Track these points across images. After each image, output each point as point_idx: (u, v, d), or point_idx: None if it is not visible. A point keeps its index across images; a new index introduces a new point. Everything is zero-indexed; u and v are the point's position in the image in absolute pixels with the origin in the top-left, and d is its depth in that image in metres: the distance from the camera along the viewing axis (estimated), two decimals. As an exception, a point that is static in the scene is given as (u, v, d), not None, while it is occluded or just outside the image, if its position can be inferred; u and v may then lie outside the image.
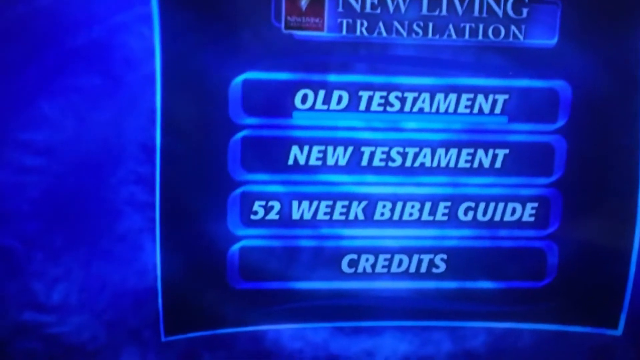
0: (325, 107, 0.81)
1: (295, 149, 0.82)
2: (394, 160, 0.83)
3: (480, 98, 0.83)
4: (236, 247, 0.84)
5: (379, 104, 0.82)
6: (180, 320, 0.84)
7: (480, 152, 0.84)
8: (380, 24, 0.79)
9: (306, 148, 0.82)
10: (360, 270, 0.86)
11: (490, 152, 0.84)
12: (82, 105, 0.78)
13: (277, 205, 0.83)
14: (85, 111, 0.78)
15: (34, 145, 0.78)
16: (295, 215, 0.84)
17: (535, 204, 0.85)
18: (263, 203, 0.83)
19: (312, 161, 0.83)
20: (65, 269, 0.81)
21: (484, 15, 0.80)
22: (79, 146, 0.79)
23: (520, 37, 0.81)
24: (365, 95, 0.81)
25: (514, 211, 0.86)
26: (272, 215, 0.83)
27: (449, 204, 0.85)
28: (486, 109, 0.83)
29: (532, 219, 0.86)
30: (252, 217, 0.83)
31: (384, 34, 0.80)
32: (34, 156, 0.78)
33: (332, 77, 0.81)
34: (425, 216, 0.85)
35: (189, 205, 0.81)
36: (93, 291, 0.82)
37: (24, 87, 0.77)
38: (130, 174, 0.80)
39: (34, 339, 0.82)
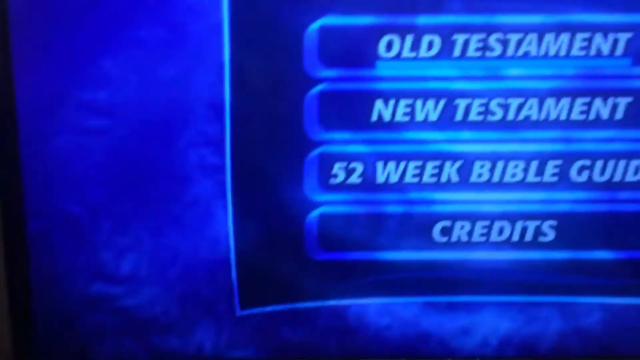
0: (413, 54, 0.72)
1: (379, 104, 0.73)
2: (493, 114, 0.73)
3: (599, 38, 0.71)
4: (315, 214, 0.76)
5: (477, 49, 0.72)
6: (256, 293, 0.78)
7: (598, 101, 0.73)
8: None
9: (391, 102, 0.73)
10: (454, 239, 0.77)
11: (610, 100, 0.73)
12: (145, 60, 0.72)
13: (359, 167, 0.75)
14: (149, 67, 0.72)
15: (96, 105, 0.73)
16: (380, 178, 0.75)
17: (663, 161, 0.71)
18: (344, 165, 0.75)
19: (399, 117, 0.73)
20: (134, 238, 0.76)
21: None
22: (143, 105, 0.73)
23: (649, -39, 0.65)
24: (460, 39, 0.71)
25: (637, 170, 0.75)
26: (354, 179, 0.75)
27: (559, 162, 0.75)
28: (605, 50, 0.71)
29: (659, 178, 0.72)
30: (332, 180, 0.75)
31: (482, -37, 0.67)
32: (98, 117, 0.73)
33: (422, 19, 0.71)
34: (531, 177, 0.75)
35: (262, 169, 0.74)
36: (164, 262, 0.77)
37: (84, 42, 0.71)
38: (199, 135, 0.73)
39: (103, 312, 0.78)
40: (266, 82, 0.72)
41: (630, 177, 0.75)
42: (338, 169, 0.75)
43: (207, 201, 0.75)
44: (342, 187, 0.75)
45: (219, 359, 0.80)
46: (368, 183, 0.75)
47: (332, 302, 0.79)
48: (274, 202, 0.75)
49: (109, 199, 0.75)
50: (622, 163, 0.75)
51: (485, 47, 0.72)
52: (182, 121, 0.73)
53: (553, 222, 0.77)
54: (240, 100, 0.72)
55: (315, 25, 0.71)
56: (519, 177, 0.75)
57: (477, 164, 0.74)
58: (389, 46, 0.71)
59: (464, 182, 0.75)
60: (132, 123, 0.73)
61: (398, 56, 0.72)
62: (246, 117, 0.73)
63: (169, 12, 0.71)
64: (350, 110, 0.73)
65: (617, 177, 0.75)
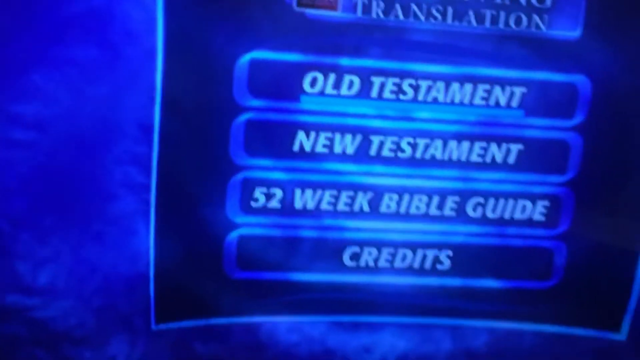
0: (335, 92, 0.76)
1: (301, 135, 0.76)
2: (403, 151, 0.78)
3: (497, 90, 0.78)
4: (234, 234, 0.78)
5: (392, 91, 0.77)
6: (173, 308, 0.79)
7: (494, 147, 0.79)
8: (397, 6, 0.74)
9: (313, 134, 0.77)
10: (362, 264, 0.81)
11: (504, 146, 0.79)
12: (77, 78, 0.72)
13: (279, 193, 0.78)
14: (80, 85, 0.72)
15: (24, 119, 0.72)
16: (298, 204, 0.78)
17: (547, 203, 0.81)
18: (265, 190, 0.77)
19: (319, 148, 0.77)
20: (53, 250, 0.75)
21: (507, 2, 0.74)
22: (72, 122, 0.73)
23: (543, 27, 0.75)
24: (377, 81, 0.76)
25: (524, 209, 0.82)
26: (274, 203, 0.78)
27: (457, 198, 0.80)
28: (502, 102, 0.78)
29: (543, 218, 0.81)
30: (253, 204, 0.77)
31: (401, 17, 0.74)
32: (24, 130, 0.72)
33: (344, 61, 0.75)
34: (433, 210, 0.80)
35: (186, 189, 0.75)
36: (82, 275, 0.77)
37: (16, 56, 0.70)
38: (126, 154, 0.73)
39: (17, 323, 0.77)
40: (196, 107, 0.74)
41: (517, 215, 0.82)
42: (259, 193, 0.78)
43: (130, 218, 0.76)
44: (262, 210, 0.78)
45: (131, 373, 0.79)
46: (286, 208, 0.78)
47: (246, 319, 0.81)
48: (196, 221, 0.77)
49: (30, 210, 0.74)
50: (511, 202, 0.82)
51: (399, 91, 0.77)
52: (110, 139, 0.74)
53: (449, 252, 0.82)
54: (169, 123, 0.74)
55: (246, 58, 0.74)
56: (422, 210, 0.80)
57: (387, 196, 0.79)
58: (313, 82, 0.75)
59: (374, 212, 0.80)
60: (59, 138, 0.73)
61: (321, 92, 0.76)
62: (174, 139, 0.74)
63: (104, 33, 0.71)
64: (274, 139, 0.76)
65: (507, 215, 0.82)
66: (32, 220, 0.74)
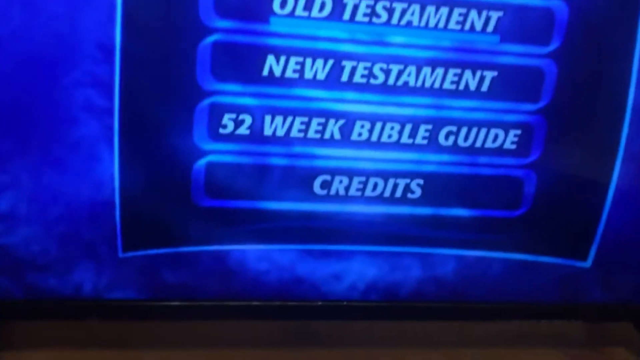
0: (305, 13, 0.72)
1: (270, 59, 0.73)
2: (376, 77, 0.75)
3: (473, 14, 0.75)
4: (202, 162, 0.75)
5: (365, 14, 0.73)
6: (139, 236, 0.77)
7: (468, 73, 0.77)
8: None
9: (283, 58, 0.73)
10: (332, 192, 0.79)
11: (478, 73, 0.77)
12: None
13: (248, 119, 0.74)
14: (34, 1, 0.64)
15: None
16: (267, 131, 0.75)
17: (518, 131, 0.80)
18: (233, 116, 0.74)
19: (289, 73, 0.74)
20: (13, 176, 0.72)
21: None
22: (26, 40, 0.68)
23: (522, -52, 0.70)
24: (350, 3, 0.73)
25: (496, 137, 0.80)
26: (242, 130, 0.75)
27: (430, 127, 0.78)
28: (478, 27, 0.75)
29: (514, 146, 0.80)
30: (221, 130, 0.74)
31: None
32: None
33: None
34: (405, 139, 0.78)
35: (151, 114, 0.72)
36: (44, 201, 0.74)
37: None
38: (86, 76, 0.69)
39: (-23, 251, 0.71)
40: (160, 26, 0.70)
41: (489, 144, 0.81)
42: (227, 119, 0.74)
43: (93, 143, 0.72)
44: (230, 137, 0.75)
45: (98, 300, 0.77)
46: (255, 135, 0.76)
47: (214, 247, 0.79)
48: (162, 148, 0.74)
49: (-15, 135, 0.70)
50: (483, 131, 0.80)
51: (372, 13, 0.73)
52: (68, 60, 0.69)
53: (420, 181, 0.81)
54: (131, 44, 0.70)
55: (212, -25, 0.69)
56: (394, 138, 0.78)
57: (358, 123, 0.77)
58: (283, 3, 0.71)
59: (345, 139, 0.77)
60: (14, 58, 0.69)
61: (291, 14, 0.72)
62: (137, 61, 0.70)
63: (58, -56, 0.66)
64: (243, 62, 0.73)
65: (479, 143, 0.80)
66: (-12, 145, 0.69)
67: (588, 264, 0.86)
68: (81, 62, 0.69)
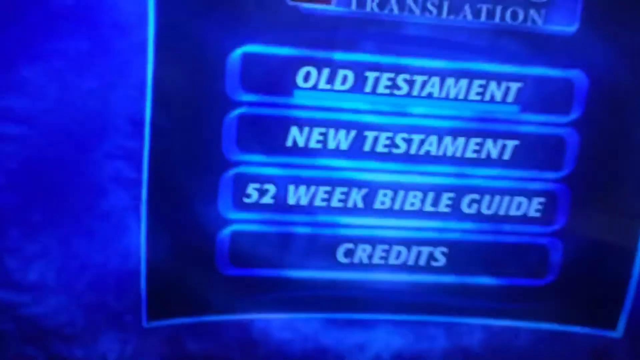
0: (328, 86, 0.73)
1: (294, 130, 0.74)
2: (398, 147, 0.76)
3: (493, 85, 0.75)
4: (227, 231, 0.76)
5: (386, 87, 0.74)
6: (164, 305, 0.77)
7: (489, 142, 0.77)
8: (392, 0, 0.70)
9: (306, 129, 0.74)
10: (356, 260, 0.79)
11: (500, 142, 0.77)
12: (66, 71, 0.70)
13: (272, 189, 0.75)
14: (70, 78, 0.70)
15: (13, 113, 0.70)
16: (291, 200, 0.76)
17: (542, 199, 0.79)
18: (257, 186, 0.75)
19: (312, 144, 0.75)
20: (43, 246, 0.73)
21: (502, -4, 0.71)
22: (61, 116, 0.70)
23: (539, 22, 0.73)
24: (371, 76, 0.74)
25: (519, 205, 0.79)
26: (267, 199, 0.75)
27: (452, 195, 0.78)
28: (498, 97, 0.76)
29: (538, 214, 0.79)
30: (245, 200, 0.75)
31: (396, 11, 0.72)
32: (13, 124, 0.70)
33: (338, 55, 0.73)
34: (427, 207, 0.78)
35: (178, 185, 0.73)
36: (72, 271, 0.75)
37: (4, 49, 0.68)
38: (117, 149, 0.71)
39: (6, 320, 0.75)
40: (188, 102, 0.72)
41: (513, 212, 0.80)
42: (252, 189, 0.75)
43: (121, 213, 0.74)
44: (255, 206, 0.76)
45: (123, 370, 0.77)
46: (279, 204, 0.76)
47: (238, 316, 0.79)
48: (188, 217, 0.75)
49: (19, 206, 0.72)
50: (506, 199, 0.80)
51: (393, 86, 0.75)
52: (100, 134, 0.72)
53: (444, 249, 0.80)
54: (160, 118, 0.72)
55: (238, 52, 0.71)
56: (417, 206, 0.78)
57: (381, 192, 0.77)
58: (307, 77, 0.73)
59: (368, 208, 0.78)
60: (48, 132, 0.71)
61: (315, 87, 0.74)
62: (165, 134, 0.72)
63: (94, 25, 0.69)
64: (267, 134, 0.74)
65: (502, 211, 0.80)
66: (21, 216, 0.72)
67: (619, 333, 0.84)
68: (112, 135, 0.71)
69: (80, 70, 0.70)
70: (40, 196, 0.72)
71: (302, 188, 0.76)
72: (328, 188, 0.76)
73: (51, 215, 0.73)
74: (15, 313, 0.74)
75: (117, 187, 0.73)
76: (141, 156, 0.72)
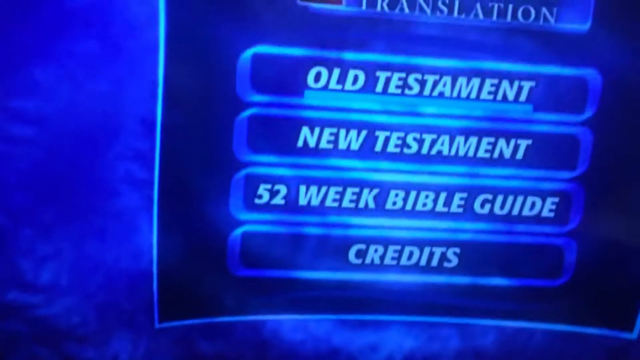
0: (339, 87, 0.73)
1: (305, 131, 0.73)
2: (409, 147, 0.75)
3: (505, 84, 0.74)
4: (238, 232, 0.75)
5: (397, 86, 0.73)
6: (176, 306, 0.77)
7: (502, 142, 0.76)
8: (403, 0, 0.68)
9: (317, 130, 0.74)
10: (368, 261, 0.78)
11: (512, 142, 0.76)
12: (77, 72, 0.70)
13: (283, 190, 0.74)
14: (81, 79, 0.70)
15: (24, 114, 0.70)
16: (302, 201, 0.75)
17: (556, 199, 0.78)
18: (268, 186, 0.74)
19: (323, 144, 0.74)
20: (55, 247, 0.73)
21: (514, -6, 0.70)
22: (73, 117, 0.70)
23: (551, 20, 0.71)
24: (382, 76, 0.73)
25: (533, 205, 0.78)
26: (278, 200, 0.75)
27: (465, 195, 0.77)
28: (510, 96, 0.75)
29: (552, 214, 0.78)
30: (256, 200, 0.74)
31: (407, 10, 0.71)
32: (25, 125, 0.70)
33: (349, 55, 0.72)
34: (440, 207, 0.77)
35: (189, 186, 0.72)
36: (84, 272, 0.74)
37: (16, 51, 0.68)
38: (128, 150, 0.71)
39: (19, 321, 0.75)
40: (198, 102, 0.72)
41: (526, 212, 0.79)
42: (263, 189, 0.75)
43: (133, 214, 0.73)
44: (266, 207, 0.75)
45: (135, 371, 0.77)
46: (290, 205, 0.75)
47: (250, 317, 0.78)
48: (199, 218, 0.74)
49: (31, 207, 0.72)
50: (519, 199, 0.78)
51: (404, 85, 0.74)
52: (112, 134, 0.71)
53: (457, 249, 0.79)
54: (171, 118, 0.71)
55: (248, 53, 0.71)
56: (429, 206, 0.77)
57: (392, 192, 0.76)
58: (317, 77, 0.72)
59: (379, 208, 0.77)
60: (60, 133, 0.71)
61: (325, 87, 0.73)
62: (177, 135, 0.72)
63: (105, 26, 0.69)
64: (278, 134, 0.74)
65: (515, 211, 0.79)
66: (33, 217, 0.72)
67: (635, 335, 0.82)
68: (123, 136, 0.71)
69: (91, 71, 0.69)
70: (52, 197, 0.72)
71: (313, 188, 0.75)
72: (339, 188, 0.76)
73: (63, 216, 0.72)
74: (28, 314, 0.74)
75: (128, 187, 0.72)
76: (152, 157, 0.72)
